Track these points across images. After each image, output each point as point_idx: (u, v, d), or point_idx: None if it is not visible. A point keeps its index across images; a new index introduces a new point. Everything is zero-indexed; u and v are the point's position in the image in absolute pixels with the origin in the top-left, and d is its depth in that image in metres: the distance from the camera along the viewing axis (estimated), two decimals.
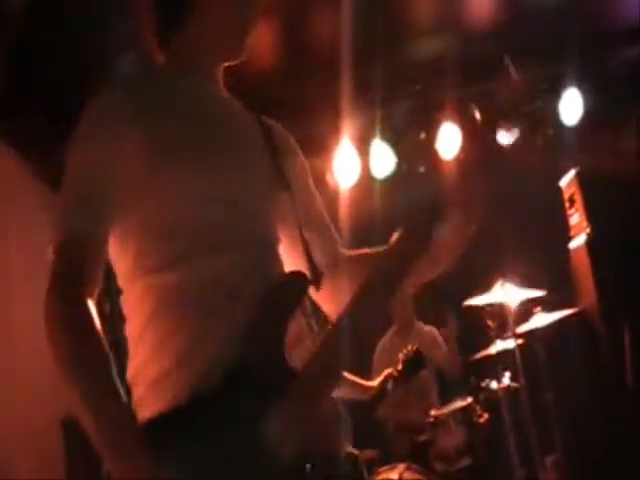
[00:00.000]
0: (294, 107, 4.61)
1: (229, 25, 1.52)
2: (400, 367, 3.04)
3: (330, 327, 1.49)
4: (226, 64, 1.59)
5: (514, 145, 4.95)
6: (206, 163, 1.45)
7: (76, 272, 1.35)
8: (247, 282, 1.42)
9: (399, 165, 5.00)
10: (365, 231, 4.55)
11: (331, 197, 4.73)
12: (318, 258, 1.63)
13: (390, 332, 4.90)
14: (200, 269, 1.39)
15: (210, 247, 1.41)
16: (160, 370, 1.38)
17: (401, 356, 3.09)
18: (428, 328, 4.87)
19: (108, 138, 1.40)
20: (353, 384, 3.14)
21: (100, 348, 1.30)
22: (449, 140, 5.10)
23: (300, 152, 1.72)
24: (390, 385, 3.01)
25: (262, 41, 4.72)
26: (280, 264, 1.56)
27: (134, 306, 1.44)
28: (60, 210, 1.40)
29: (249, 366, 1.35)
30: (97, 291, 1.39)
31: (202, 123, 1.49)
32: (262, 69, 4.91)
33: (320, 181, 4.96)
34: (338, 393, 3.29)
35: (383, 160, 5.02)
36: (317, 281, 1.58)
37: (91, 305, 1.35)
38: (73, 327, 1.31)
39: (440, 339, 4.77)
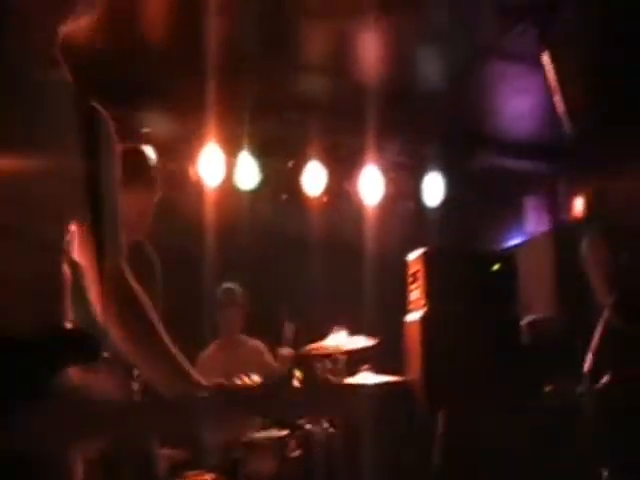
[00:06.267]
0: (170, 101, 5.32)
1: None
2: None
3: None
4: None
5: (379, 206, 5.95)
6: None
7: None
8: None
9: (263, 183, 5.76)
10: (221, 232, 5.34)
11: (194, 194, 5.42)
12: None
13: (214, 344, 5.51)
14: None
15: None
16: None
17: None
18: (254, 342, 5.53)
19: None
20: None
21: None
22: (314, 177, 6.01)
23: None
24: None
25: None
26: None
27: None
28: None
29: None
30: None
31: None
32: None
33: (184, 175, 5.64)
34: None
35: (248, 173, 5.78)
36: None
37: None
38: None
39: (267, 355, 5.48)
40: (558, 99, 5.43)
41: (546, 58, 5.44)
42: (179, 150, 5.69)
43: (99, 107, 1.99)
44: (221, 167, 5.66)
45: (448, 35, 5.50)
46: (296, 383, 4.20)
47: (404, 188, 6.27)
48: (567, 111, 5.44)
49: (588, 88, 6.10)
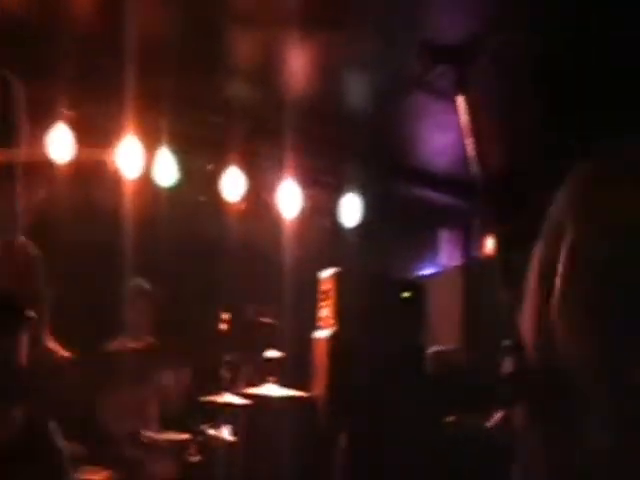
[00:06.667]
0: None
1: None
2: None
3: None
4: None
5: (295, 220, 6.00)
6: None
7: None
8: None
9: (182, 182, 5.71)
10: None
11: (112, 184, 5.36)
12: None
13: (121, 337, 5.42)
14: None
15: None
16: None
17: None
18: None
19: None
20: None
21: None
22: (233, 183, 5.99)
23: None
24: None
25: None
26: None
27: None
28: None
29: None
30: None
31: None
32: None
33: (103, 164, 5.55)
34: None
35: (167, 170, 5.72)
36: None
37: None
38: None
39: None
40: (469, 142, 5.58)
41: (460, 102, 5.59)
42: (98, 138, 5.56)
43: (11, 76, 1.92)
44: (140, 160, 5.57)
45: (375, 61, 5.59)
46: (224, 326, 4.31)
47: (322, 205, 6.34)
48: (477, 156, 5.60)
49: (499, 137, 6.32)
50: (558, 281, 2.35)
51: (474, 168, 5.67)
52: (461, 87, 5.63)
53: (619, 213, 2.31)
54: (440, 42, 5.29)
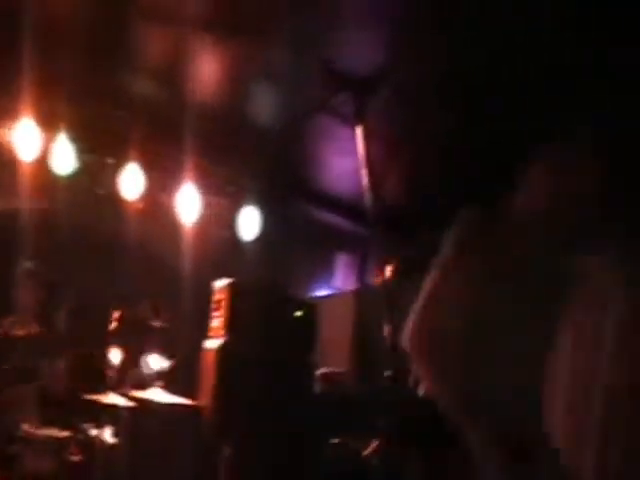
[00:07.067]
0: None
1: None
2: None
3: None
4: None
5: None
6: None
7: None
8: None
9: (80, 172, 5.54)
10: None
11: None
12: None
13: (10, 320, 5.19)
14: None
15: None
16: None
17: None
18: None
19: None
20: None
21: None
22: (132, 180, 5.85)
23: None
24: None
25: None
26: None
27: None
28: None
29: None
30: None
31: None
32: None
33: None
34: None
35: (64, 159, 5.56)
36: None
37: None
38: None
39: None
40: (365, 172, 5.65)
41: (359, 132, 5.65)
42: None
43: None
44: (36, 144, 5.39)
45: (283, 77, 5.59)
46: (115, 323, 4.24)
47: (221, 214, 6.26)
48: (371, 185, 5.67)
49: (397, 165, 6.42)
50: None
51: (368, 197, 5.71)
52: (360, 116, 5.68)
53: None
54: (344, 70, 5.36)
